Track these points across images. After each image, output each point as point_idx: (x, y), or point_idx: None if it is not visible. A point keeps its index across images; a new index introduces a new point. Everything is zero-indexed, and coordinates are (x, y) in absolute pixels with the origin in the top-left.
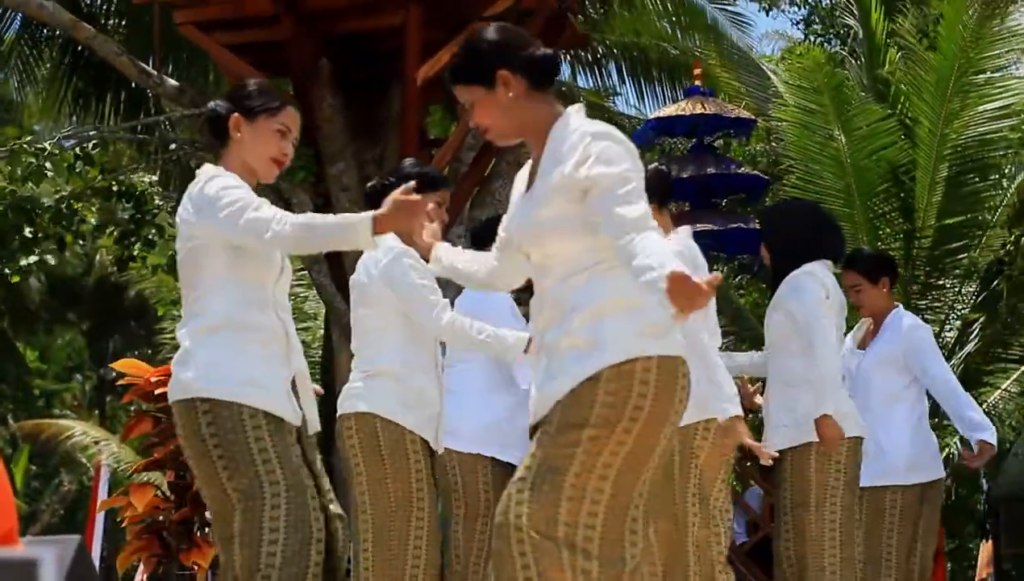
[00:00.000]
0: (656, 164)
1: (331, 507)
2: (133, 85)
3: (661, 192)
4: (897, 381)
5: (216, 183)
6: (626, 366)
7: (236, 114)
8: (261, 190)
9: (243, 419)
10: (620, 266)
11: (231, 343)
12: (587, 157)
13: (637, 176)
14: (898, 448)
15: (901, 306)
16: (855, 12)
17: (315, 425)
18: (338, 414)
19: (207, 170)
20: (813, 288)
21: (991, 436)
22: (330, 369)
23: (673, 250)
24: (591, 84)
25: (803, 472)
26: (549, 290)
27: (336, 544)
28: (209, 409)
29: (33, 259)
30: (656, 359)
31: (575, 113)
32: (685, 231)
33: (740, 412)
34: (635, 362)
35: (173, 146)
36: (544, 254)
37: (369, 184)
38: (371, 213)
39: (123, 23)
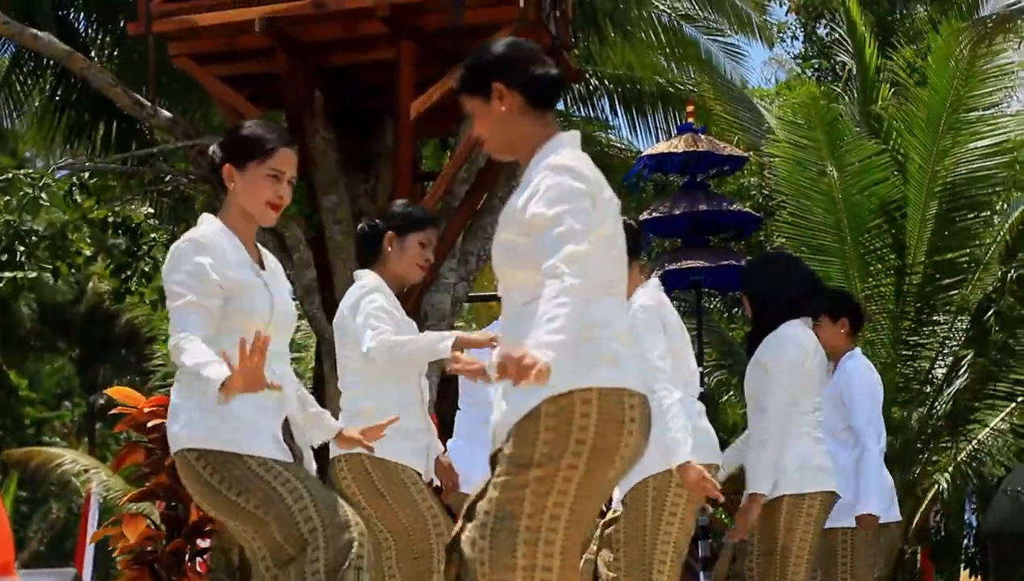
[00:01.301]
0: (624, 218)
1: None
2: (125, 115)
3: (628, 245)
4: (840, 421)
5: (178, 251)
6: (563, 399)
7: (227, 165)
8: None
9: (234, 455)
10: None
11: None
12: (536, 193)
13: (577, 216)
14: (845, 489)
15: (859, 350)
16: (849, 48)
17: (311, 465)
18: (330, 457)
19: (196, 228)
20: (792, 350)
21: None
22: (321, 400)
23: (639, 304)
24: (584, 116)
25: (772, 522)
26: (506, 315)
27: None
28: (200, 456)
29: (22, 274)
30: (596, 391)
31: (568, 140)
32: (655, 284)
33: (717, 460)
34: (572, 395)
35: (168, 178)
36: (503, 279)
37: (360, 226)
38: (224, 374)
39: (116, 54)
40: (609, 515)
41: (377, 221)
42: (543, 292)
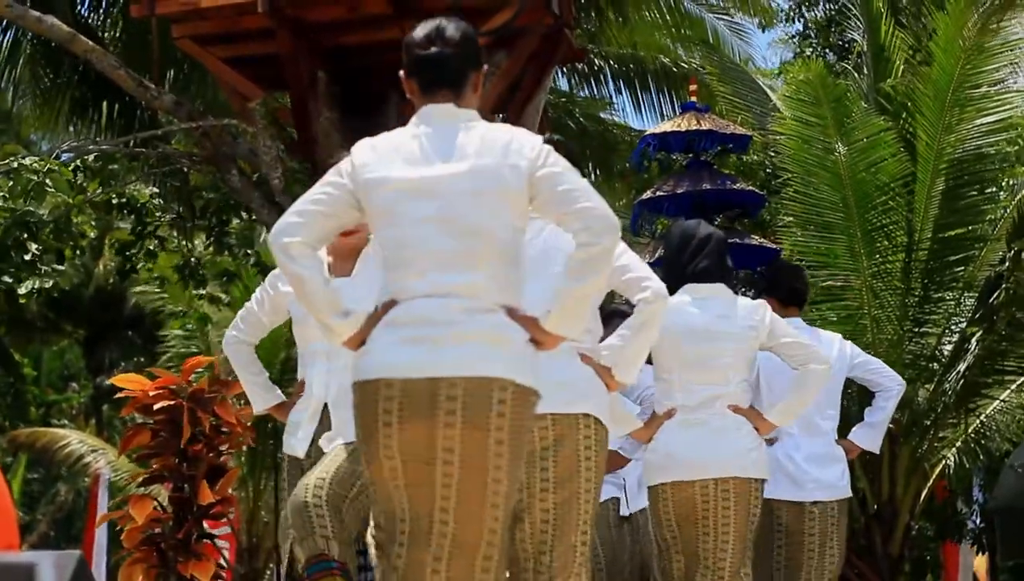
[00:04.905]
0: None
1: None
2: (127, 96)
3: None
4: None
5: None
6: (355, 387)
7: None
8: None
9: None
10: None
11: None
12: None
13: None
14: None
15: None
16: (860, 23)
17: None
18: None
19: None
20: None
21: None
22: None
23: None
24: (587, 95)
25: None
26: None
27: None
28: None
29: (39, 285)
30: (357, 384)
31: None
32: None
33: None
34: (353, 384)
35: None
36: None
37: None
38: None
39: (119, 35)
40: None
41: None
42: None
